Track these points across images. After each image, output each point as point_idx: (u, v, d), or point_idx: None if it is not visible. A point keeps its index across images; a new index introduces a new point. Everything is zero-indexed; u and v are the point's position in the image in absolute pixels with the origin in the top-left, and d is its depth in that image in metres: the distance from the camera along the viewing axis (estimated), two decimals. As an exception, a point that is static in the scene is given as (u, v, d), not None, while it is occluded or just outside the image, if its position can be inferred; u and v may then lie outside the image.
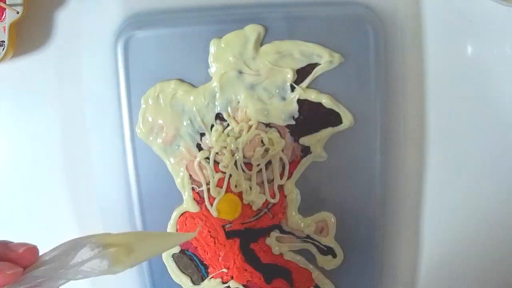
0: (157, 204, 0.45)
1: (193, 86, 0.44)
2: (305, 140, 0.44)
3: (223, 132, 0.44)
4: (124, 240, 0.31)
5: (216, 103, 0.44)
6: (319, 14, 0.43)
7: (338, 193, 0.45)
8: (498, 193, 0.47)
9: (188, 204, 0.45)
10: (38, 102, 0.46)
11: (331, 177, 0.45)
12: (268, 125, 0.44)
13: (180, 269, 0.46)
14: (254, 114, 0.43)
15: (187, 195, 0.45)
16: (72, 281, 0.29)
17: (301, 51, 0.43)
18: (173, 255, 0.46)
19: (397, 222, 0.47)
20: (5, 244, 0.30)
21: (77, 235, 0.47)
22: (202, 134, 0.44)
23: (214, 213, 0.45)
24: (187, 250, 0.46)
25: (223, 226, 0.46)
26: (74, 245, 0.30)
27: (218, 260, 0.46)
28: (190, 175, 0.45)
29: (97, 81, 0.45)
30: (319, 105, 0.44)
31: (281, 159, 0.44)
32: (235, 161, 0.44)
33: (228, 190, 0.45)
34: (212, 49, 0.43)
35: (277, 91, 0.43)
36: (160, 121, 0.44)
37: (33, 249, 0.30)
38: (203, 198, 0.45)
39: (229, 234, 0.46)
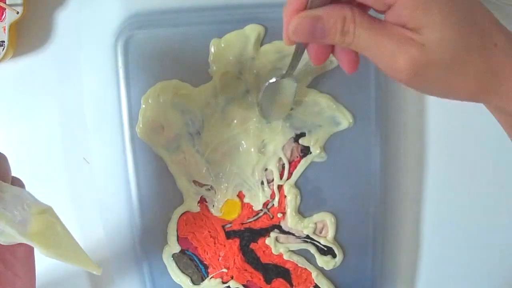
0: (157, 204, 0.45)
1: (193, 86, 0.44)
2: (305, 140, 0.44)
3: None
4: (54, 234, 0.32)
5: (217, 102, 0.44)
6: (319, 14, 0.43)
7: (338, 193, 0.45)
8: (498, 193, 0.47)
9: (188, 204, 0.45)
10: (38, 102, 0.46)
11: (331, 177, 0.45)
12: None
13: (180, 269, 0.46)
14: (254, 114, 0.44)
15: (187, 195, 0.45)
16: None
17: (301, 51, 0.43)
18: (173, 255, 0.46)
19: (397, 222, 0.47)
20: None
21: (77, 234, 0.47)
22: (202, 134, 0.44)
23: (217, 213, 0.45)
24: (187, 250, 0.46)
25: (223, 226, 0.46)
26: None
27: (218, 260, 0.46)
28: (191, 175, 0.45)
29: (97, 81, 0.45)
30: (319, 105, 0.44)
31: (280, 159, 0.44)
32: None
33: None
34: (212, 49, 0.43)
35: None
36: (160, 121, 0.44)
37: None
38: (204, 198, 0.45)
39: (229, 234, 0.46)
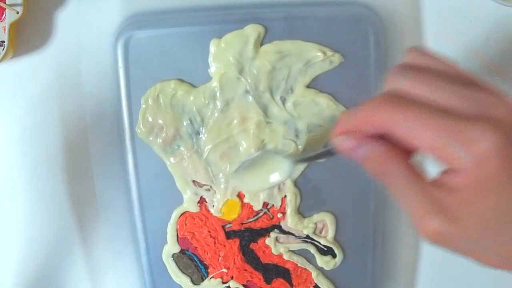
0: (157, 204, 0.45)
1: (193, 86, 0.44)
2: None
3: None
4: None
5: (217, 102, 0.44)
6: (319, 14, 0.43)
7: (338, 193, 0.45)
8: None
9: (188, 204, 0.45)
10: (38, 102, 0.46)
11: (331, 177, 0.45)
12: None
13: (180, 269, 0.46)
14: (254, 114, 0.44)
15: (187, 195, 0.45)
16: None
17: (301, 51, 0.43)
18: (173, 255, 0.46)
19: (397, 222, 0.47)
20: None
21: (77, 235, 0.47)
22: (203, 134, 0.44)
23: (217, 213, 0.45)
24: (187, 250, 0.46)
25: (223, 226, 0.46)
26: None
27: (218, 260, 0.46)
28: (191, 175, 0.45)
29: (97, 81, 0.45)
30: (319, 105, 0.44)
31: (281, 159, 0.44)
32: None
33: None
34: (212, 49, 0.43)
35: (278, 91, 0.43)
36: (160, 121, 0.44)
37: None
38: (204, 198, 0.45)
39: (229, 234, 0.46)
